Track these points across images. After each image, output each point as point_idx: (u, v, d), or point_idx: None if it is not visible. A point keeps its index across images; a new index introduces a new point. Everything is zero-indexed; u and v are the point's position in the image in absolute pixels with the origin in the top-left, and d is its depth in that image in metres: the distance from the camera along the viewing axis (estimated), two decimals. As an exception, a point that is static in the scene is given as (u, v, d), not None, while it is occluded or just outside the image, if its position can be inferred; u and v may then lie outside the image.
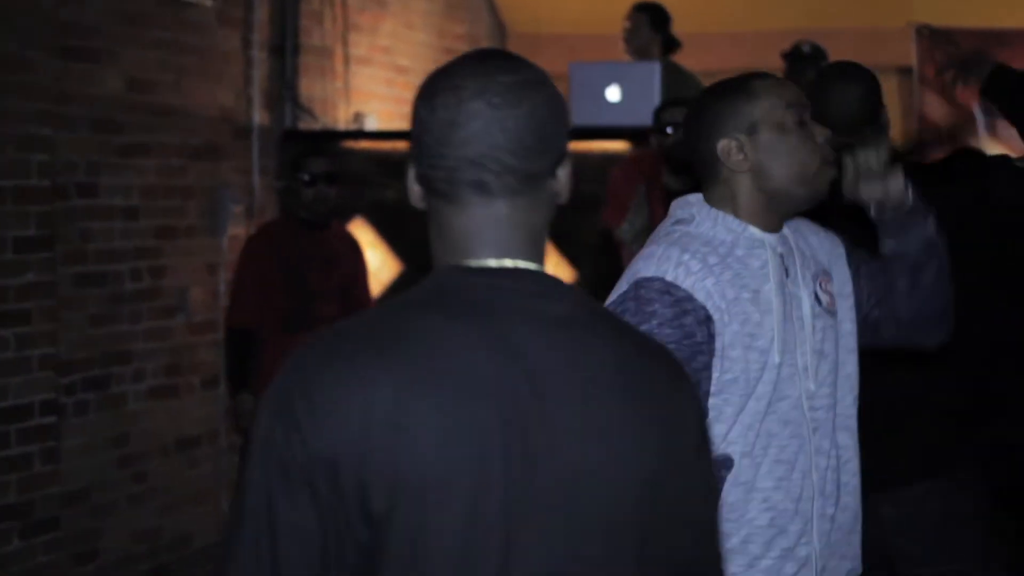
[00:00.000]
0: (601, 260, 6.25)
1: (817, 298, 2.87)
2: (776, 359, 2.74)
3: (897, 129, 9.10)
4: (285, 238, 5.94)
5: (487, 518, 1.77)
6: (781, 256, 2.84)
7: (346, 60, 8.06)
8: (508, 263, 1.89)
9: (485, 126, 1.87)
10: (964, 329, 3.37)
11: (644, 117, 6.65)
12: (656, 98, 6.64)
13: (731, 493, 2.73)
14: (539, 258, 1.92)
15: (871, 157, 2.95)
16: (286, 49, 7.46)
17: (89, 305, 6.12)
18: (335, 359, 1.79)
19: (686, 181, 4.54)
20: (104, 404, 6.19)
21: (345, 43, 8.06)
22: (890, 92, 9.30)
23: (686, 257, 2.73)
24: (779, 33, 8.40)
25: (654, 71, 6.56)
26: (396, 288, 6.82)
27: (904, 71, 9.28)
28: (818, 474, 2.81)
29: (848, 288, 2.96)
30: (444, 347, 1.80)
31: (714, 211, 2.84)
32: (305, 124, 7.54)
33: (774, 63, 8.07)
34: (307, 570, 1.76)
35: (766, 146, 2.84)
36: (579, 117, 6.64)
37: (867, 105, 4.05)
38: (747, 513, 2.75)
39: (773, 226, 2.86)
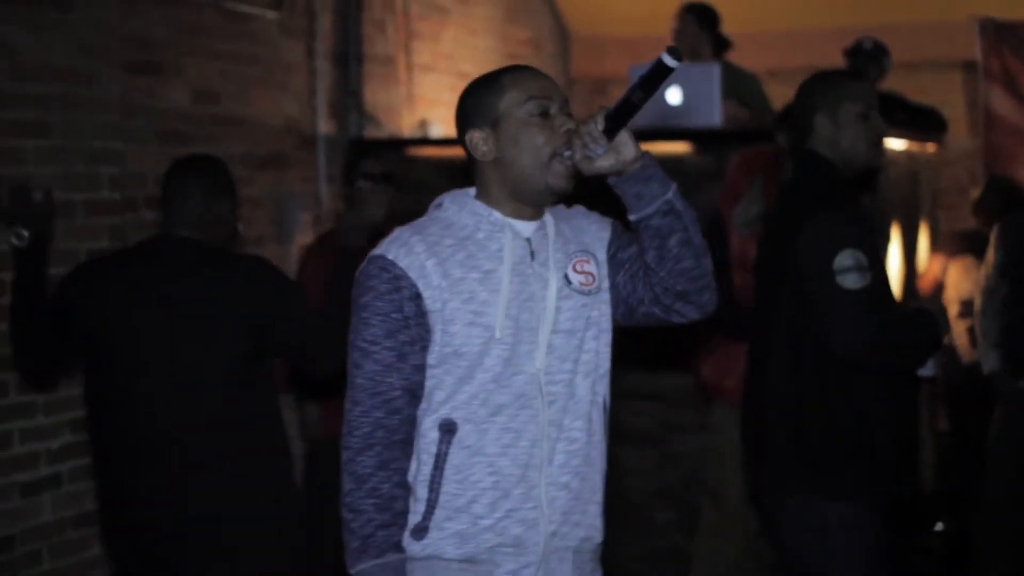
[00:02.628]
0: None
1: (567, 279, 3.06)
2: (498, 335, 2.94)
3: (963, 124, 9.05)
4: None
5: None
6: (528, 240, 3.05)
7: (409, 68, 8.11)
8: None
9: None
10: None
11: (705, 118, 6.64)
12: (717, 99, 6.62)
13: (456, 455, 2.96)
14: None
15: (591, 128, 2.94)
16: (350, 58, 7.51)
17: (160, 315, 6.19)
18: None
19: None
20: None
21: (408, 51, 8.11)
22: (955, 87, 9.30)
23: (415, 239, 2.98)
24: (840, 30, 8.37)
25: (714, 72, 6.54)
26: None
27: (969, 66, 9.23)
28: (549, 444, 3.00)
29: (605, 270, 3.11)
30: None
31: (464, 198, 3.09)
32: (370, 132, 7.60)
33: (835, 60, 8.05)
34: None
35: (506, 137, 3.03)
36: (640, 119, 6.62)
37: None
38: (472, 475, 2.96)
39: (524, 213, 3.07)
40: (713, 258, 3.08)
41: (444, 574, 2.97)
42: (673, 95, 6.57)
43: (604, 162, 2.96)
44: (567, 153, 3.00)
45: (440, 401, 2.97)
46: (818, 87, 4.23)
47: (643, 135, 6.57)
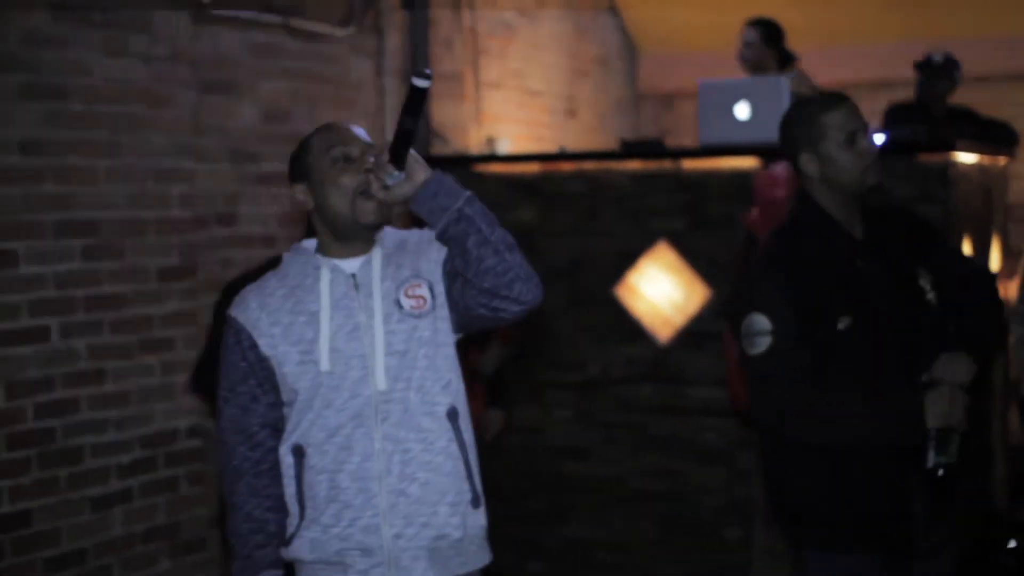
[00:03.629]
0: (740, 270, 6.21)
1: (399, 304, 3.34)
2: (326, 367, 3.28)
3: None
4: None
5: None
6: (354, 276, 3.36)
7: (477, 84, 8.13)
8: None
9: None
10: None
11: (773, 133, 6.58)
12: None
13: (307, 475, 3.32)
14: None
15: (380, 159, 3.22)
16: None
17: (231, 332, 6.24)
18: None
19: None
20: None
21: (476, 68, 8.13)
22: (1025, 101, 9.22)
23: (251, 296, 3.37)
24: (910, 44, 8.33)
25: (783, 87, 6.50)
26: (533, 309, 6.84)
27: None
28: (386, 456, 3.28)
29: (441, 288, 3.36)
30: None
31: (299, 249, 3.44)
32: (438, 149, 7.62)
33: (906, 74, 8.01)
34: None
35: (317, 185, 3.37)
36: (708, 135, 6.61)
37: None
38: (319, 491, 3.30)
39: (350, 251, 3.38)
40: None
41: (305, 574, 3.35)
42: (741, 110, 6.54)
43: (401, 189, 3.20)
44: (370, 189, 3.26)
45: (290, 431, 3.33)
46: (795, 128, 4.07)
47: (711, 151, 6.61)
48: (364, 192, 3.29)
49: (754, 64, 7.43)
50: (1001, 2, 8.75)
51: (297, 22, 6.65)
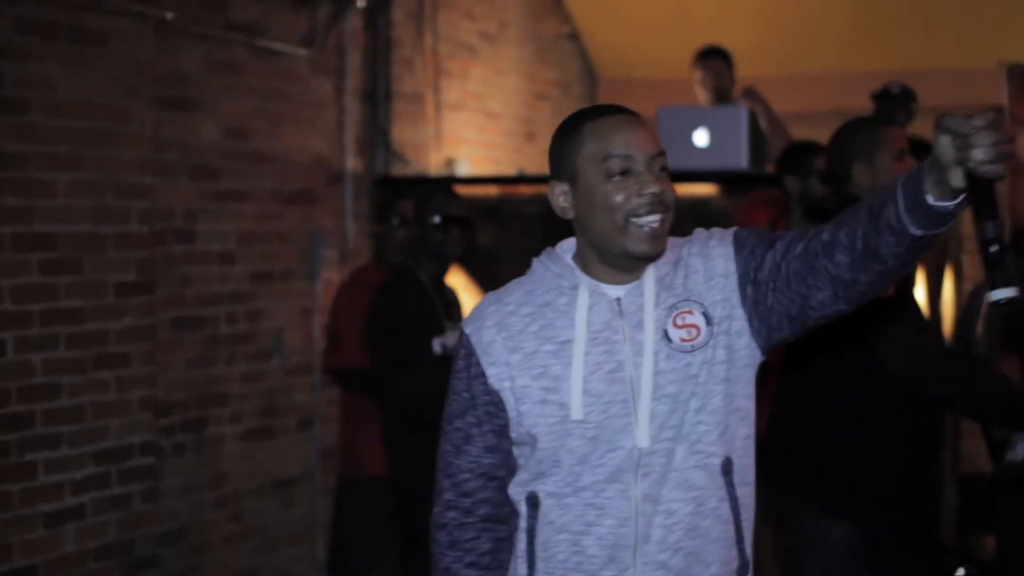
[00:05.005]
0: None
1: (667, 336, 2.70)
2: (578, 415, 2.68)
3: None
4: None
5: None
6: (618, 300, 2.73)
7: (437, 106, 8.15)
8: None
9: None
10: None
11: (732, 161, 6.65)
12: (744, 142, 6.65)
13: (543, 531, 2.75)
14: None
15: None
16: (378, 96, 7.56)
17: (187, 348, 6.24)
18: None
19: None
20: (201, 445, 6.30)
21: (436, 89, 8.15)
22: (981, 132, 9.30)
23: (490, 310, 2.79)
24: (869, 74, 8.40)
25: (741, 115, 6.57)
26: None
27: (996, 111, 9.24)
28: (644, 520, 2.68)
29: (728, 310, 2.72)
30: None
31: (554, 256, 2.83)
32: (397, 170, 7.64)
33: (864, 104, 8.08)
34: None
35: (584, 194, 2.75)
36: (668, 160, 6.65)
37: None
38: (558, 554, 2.74)
39: (612, 276, 2.75)
40: None
41: None
42: (700, 137, 6.59)
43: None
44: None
45: (527, 476, 2.77)
46: (854, 136, 4.30)
47: (670, 177, 6.64)
48: (638, 216, 2.68)
49: (720, 92, 7.48)
50: (957, 35, 8.84)
51: (260, 40, 6.66)
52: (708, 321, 2.70)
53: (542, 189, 7.05)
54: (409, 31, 7.89)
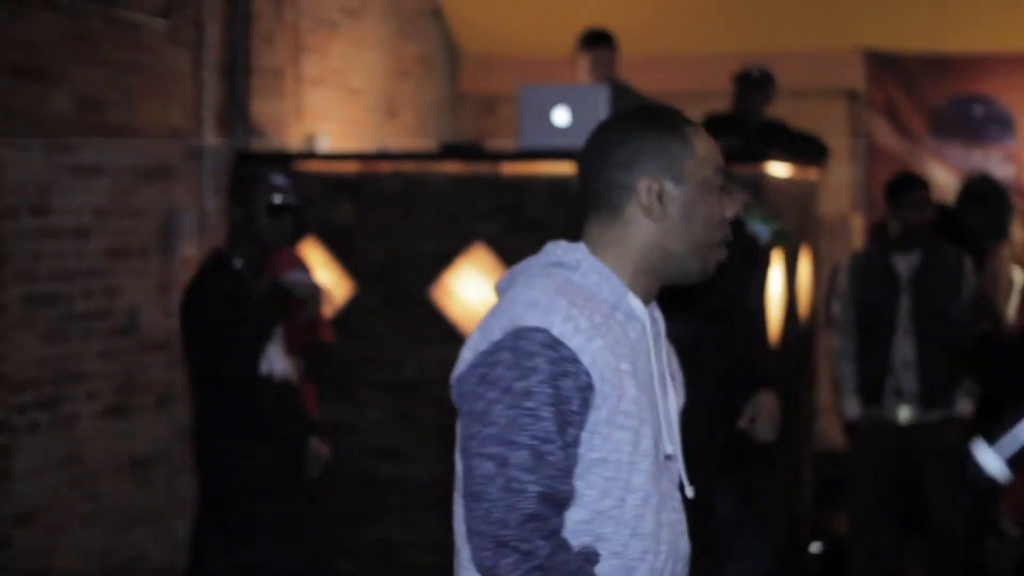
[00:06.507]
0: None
1: (672, 376, 2.64)
2: (647, 445, 2.43)
3: (845, 153, 9.20)
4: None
5: None
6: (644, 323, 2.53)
7: (297, 81, 8.08)
8: None
9: None
10: None
11: (592, 139, 6.66)
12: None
13: (606, 565, 2.42)
14: None
15: None
16: (237, 70, 7.47)
17: (40, 325, 6.12)
18: None
19: None
20: (56, 424, 6.18)
21: (297, 64, 8.08)
22: (838, 116, 9.44)
23: (575, 311, 2.38)
24: (729, 56, 8.48)
25: (601, 94, 6.58)
26: (348, 308, 6.83)
27: (852, 95, 9.38)
28: (672, 538, 2.51)
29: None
30: None
31: (595, 263, 2.49)
32: (257, 145, 7.56)
33: (723, 85, 8.15)
34: None
35: (685, 201, 2.51)
36: (527, 139, 6.66)
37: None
38: None
39: (647, 293, 2.54)
40: None
41: None
42: (561, 116, 6.60)
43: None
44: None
45: (580, 520, 2.42)
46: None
47: (529, 155, 6.66)
48: (721, 244, 2.53)
49: (608, 77, 7.51)
50: (818, 19, 8.95)
51: (115, 10, 6.54)
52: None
53: (403, 167, 7.08)
54: (269, 4, 7.80)
